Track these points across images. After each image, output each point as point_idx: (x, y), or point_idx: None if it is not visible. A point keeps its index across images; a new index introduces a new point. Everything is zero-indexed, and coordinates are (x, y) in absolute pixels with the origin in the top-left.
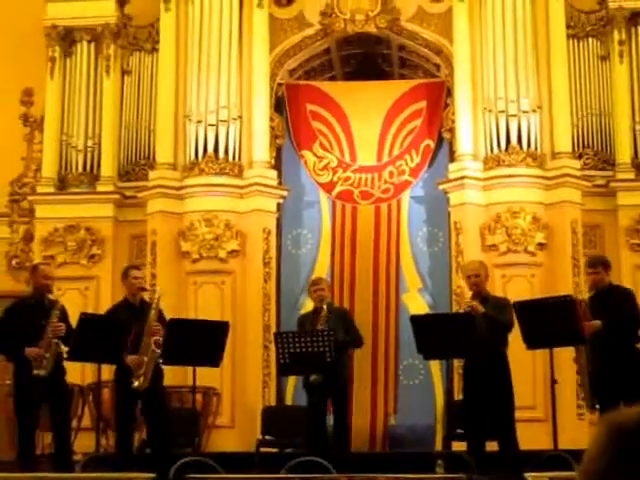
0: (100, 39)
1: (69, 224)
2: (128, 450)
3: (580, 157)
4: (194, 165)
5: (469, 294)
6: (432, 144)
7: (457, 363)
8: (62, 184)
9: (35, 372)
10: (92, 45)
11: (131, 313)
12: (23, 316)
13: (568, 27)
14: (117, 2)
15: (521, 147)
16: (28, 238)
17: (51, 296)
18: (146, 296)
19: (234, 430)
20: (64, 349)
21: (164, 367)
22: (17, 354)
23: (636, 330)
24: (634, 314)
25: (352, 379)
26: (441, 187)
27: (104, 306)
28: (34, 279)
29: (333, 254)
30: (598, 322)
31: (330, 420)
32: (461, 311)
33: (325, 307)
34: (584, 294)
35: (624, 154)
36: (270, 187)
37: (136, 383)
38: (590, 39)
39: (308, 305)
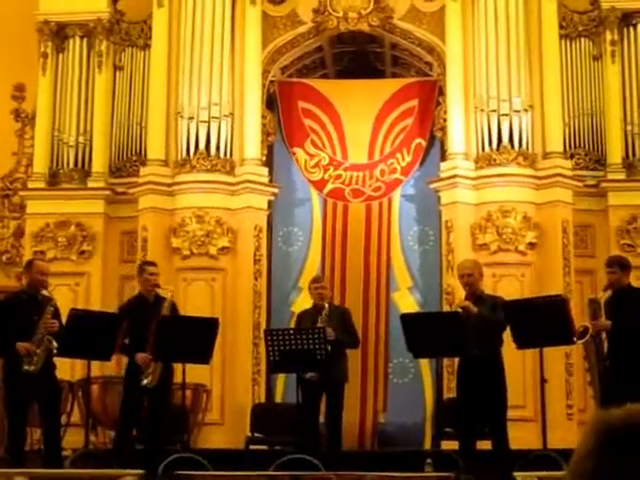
0: (92, 35)
1: (60, 220)
2: (127, 447)
3: (571, 157)
4: (185, 162)
5: (463, 293)
6: (424, 143)
7: (447, 362)
8: (53, 180)
9: (25, 368)
10: (84, 41)
11: (145, 309)
12: (15, 311)
13: (561, 27)
14: None
15: (512, 146)
16: (19, 233)
17: (45, 292)
18: (163, 293)
19: (223, 427)
20: (55, 345)
21: None
22: (7, 349)
23: None
24: None
25: (348, 378)
26: (432, 186)
27: (94, 302)
28: (29, 274)
29: (324, 252)
30: (607, 322)
31: (321, 418)
32: (454, 311)
33: (327, 306)
34: (599, 292)
35: (615, 154)
36: (261, 184)
37: (145, 381)
38: (582, 39)
39: (298, 302)
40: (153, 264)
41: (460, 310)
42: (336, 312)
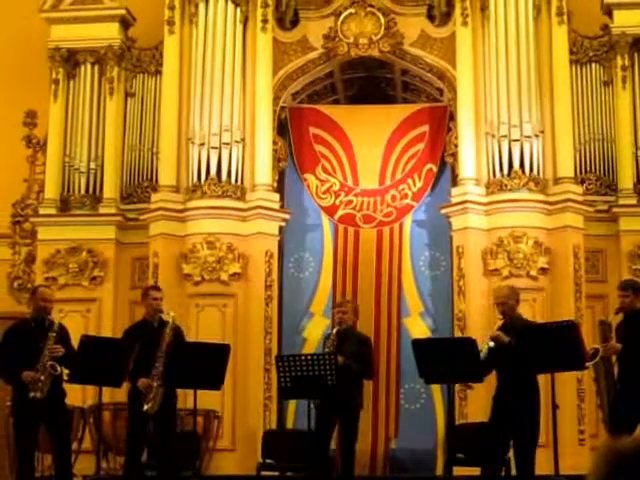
0: (104, 61)
1: (71, 246)
2: (136, 473)
3: (582, 182)
4: (197, 188)
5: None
6: (434, 168)
7: (458, 387)
8: (64, 206)
9: (31, 395)
10: (96, 67)
11: (148, 334)
12: (22, 338)
13: (571, 52)
14: (121, 25)
15: (523, 172)
16: (30, 260)
17: (50, 317)
18: (166, 317)
19: (235, 453)
20: (64, 370)
21: None
22: (15, 377)
23: None
24: None
25: (363, 405)
26: (443, 211)
27: (106, 328)
28: (34, 301)
29: (335, 277)
30: (618, 345)
31: (332, 444)
32: (487, 344)
33: (334, 331)
34: (610, 315)
35: (626, 180)
36: (272, 210)
37: (146, 407)
38: (593, 64)
39: (309, 328)
40: (157, 289)
41: (491, 344)
42: (353, 338)
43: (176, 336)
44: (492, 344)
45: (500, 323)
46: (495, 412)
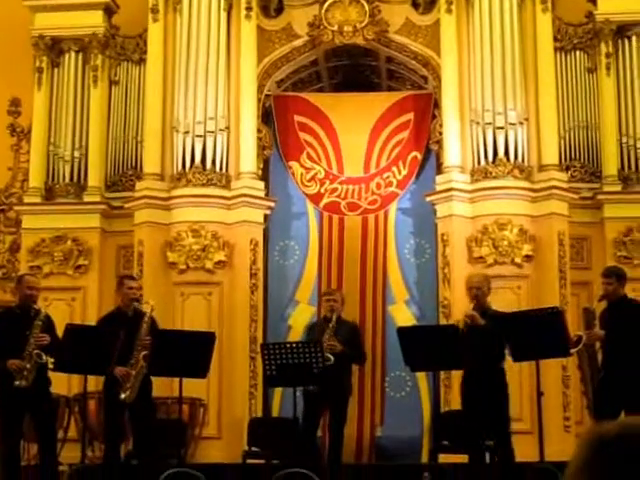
0: (88, 49)
1: (56, 234)
2: (116, 461)
3: (567, 169)
4: (181, 176)
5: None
6: (419, 156)
7: (444, 375)
8: (49, 194)
9: (16, 383)
10: (80, 55)
11: (122, 323)
12: (8, 327)
13: (555, 40)
14: (105, 12)
15: (508, 159)
16: (15, 248)
17: (36, 306)
18: (144, 307)
19: (221, 441)
20: (49, 360)
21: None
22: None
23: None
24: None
25: (352, 392)
26: (428, 199)
27: (91, 317)
28: (19, 289)
29: (320, 265)
30: (601, 332)
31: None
32: (462, 322)
33: (334, 318)
34: (594, 302)
35: (611, 167)
36: (257, 198)
37: (123, 395)
38: (577, 52)
39: (295, 316)
40: (132, 278)
41: (467, 320)
42: (345, 326)
43: (152, 326)
44: (468, 321)
45: (471, 307)
46: (466, 400)
